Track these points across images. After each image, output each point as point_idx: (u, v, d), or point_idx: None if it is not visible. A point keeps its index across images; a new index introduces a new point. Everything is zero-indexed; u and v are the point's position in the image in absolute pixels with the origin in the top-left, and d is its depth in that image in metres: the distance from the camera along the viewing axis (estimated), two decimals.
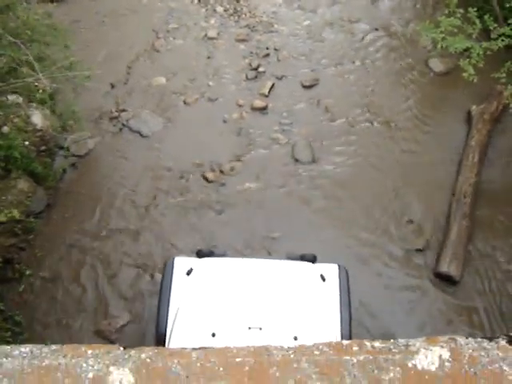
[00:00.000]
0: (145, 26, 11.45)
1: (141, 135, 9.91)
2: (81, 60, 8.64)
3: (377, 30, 11.50)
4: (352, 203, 9.09)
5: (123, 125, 10.06)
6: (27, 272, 8.43)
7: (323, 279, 6.89)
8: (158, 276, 8.11)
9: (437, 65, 10.85)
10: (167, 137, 9.85)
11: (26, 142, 9.21)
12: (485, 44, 8.69)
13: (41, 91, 9.23)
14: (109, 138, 9.93)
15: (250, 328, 6.34)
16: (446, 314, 8.13)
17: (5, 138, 8.54)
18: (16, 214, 7.15)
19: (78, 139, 9.82)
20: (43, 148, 9.58)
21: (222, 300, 6.61)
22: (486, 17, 8.90)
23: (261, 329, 6.34)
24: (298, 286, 6.79)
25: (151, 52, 11.09)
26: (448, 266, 8.44)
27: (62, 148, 9.74)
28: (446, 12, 8.89)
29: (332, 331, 6.51)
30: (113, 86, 10.52)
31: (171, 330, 6.43)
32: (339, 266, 7.13)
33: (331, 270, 7.03)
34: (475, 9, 8.98)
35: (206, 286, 6.75)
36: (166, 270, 7.04)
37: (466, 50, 8.80)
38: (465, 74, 8.69)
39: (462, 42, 8.71)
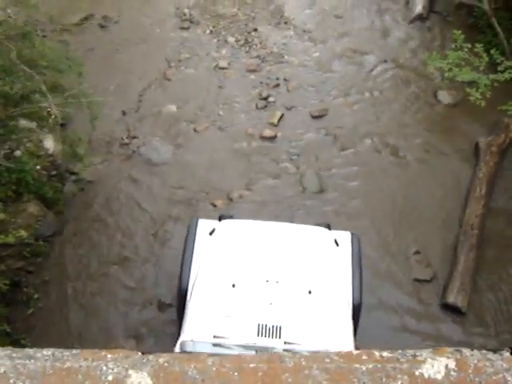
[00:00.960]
0: (157, 55, 11.64)
1: (151, 162, 10.03)
2: (94, 86, 8.78)
3: (385, 61, 11.66)
4: (359, 233, 9.13)
5: (133, 151, 10.18)
6: (35, 296, 8.48)
7: (337, 244, 7.37)
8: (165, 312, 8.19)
9: (445, 97, 10.97)
10: (177, 164, 9.96)
11: (38, 167, 9.33)
12: (492, 76, 8.85)
13: (53, 117, 9.38)
14: (119, 164, 10.04)
15: (267, 281, 6.79)
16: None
17: (17, 161, 8.65)
18: (24, 233, 7.23)
19: (88, 165, 9.92)
20: (54, 173, 9.70)
21: (242, 256, 7.06)
22: (492, 51, 9.08)
23: (277, 282, 6.79)
24: (314, 247, 7.30)
25: (163, 81, 11.25)
26: (455, 297, 8.47)
27: (72, 173, 9.85)
28: (453, 46, 9.08)
29: (344, 290, 6.93)
30: (124, 113, 10.67)
31: (194, 282, 6.84)
32: (352, 233, 7.64)
33: (344, 237, 7.55)
34: (482, 44, 9.17)
35: (228, 244, 7.25)
36: (190, 229, 7.53)
37: (473, 81, 8.97)
38: (471, 98, 8.85)
39: (469, 74, 8.88)
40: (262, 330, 6.40)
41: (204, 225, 7.54)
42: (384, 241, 9.14)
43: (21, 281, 8.59)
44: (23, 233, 7.30)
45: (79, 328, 8.28)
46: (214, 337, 6.29)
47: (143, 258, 8.94)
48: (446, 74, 9.14)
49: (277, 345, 6.27)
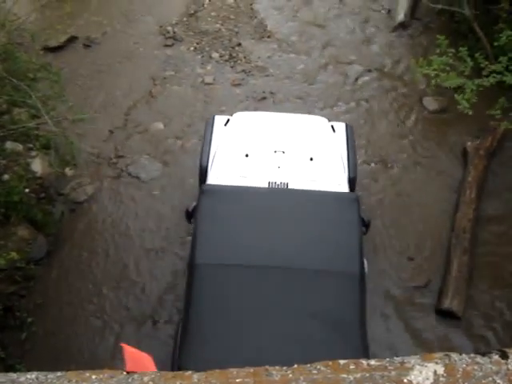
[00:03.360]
0: (142, 74, 11.64)
1: (139, 180, 10.00)
2: (79, 105, 8.79)
3: (370, 71, 11.70)
4: None
5: (122, 170, 10.15)
6: (28, 320, 8.40)
7: (333, 130, 8.54)
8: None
9: (431, 103, 11.01)
10: (165, 181, 9.95)
11: (27, 190, 9.28)
12: (477, 81, 8.88)
13: (41, 137, 9.38)
14: (108, 183, 10.00)
15: (275, 151, 8.02)
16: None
17: (5, 185, 8.62)
18: (14, 255, 7.17)
19: (77, 186, 9.90)
20: (43, 195, 9.66)
21: (253, 134, 8.33)
22: (477, 55, 9.12)
23: (284, 152, 8.01)
24: (314, 130, 8.50)
25: (148, 98, 11.24)
26: (450, 303, 8.45)
27: (61, 195, 9.81)
28: (438, 51, 9.11)
29: (340, 161, 8.01)
30: (111, 132, 10.65)
31: (213, 158, 8.02)
32: (346, 124, 8.83)
33: (340, 126, 8.71)
34: (466, 48, 9.21)
35: (240, 128, 8.50)
36: (207, 124, 8.78)
37: (460, 86, 9.00)
38: (460, 107, 8.89)
39: (455, 80, 8.92)
40: (272, 186, 7.57)
41: (220, 119, 8.77)
42: (376, 250, 9.13)
43: (13, 305, 8.51)
44: (14, 254, 7.24)
45: (75, 350, 8.20)
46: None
47: (138, 277, 8.88)
48: (433, 81, 9.17)
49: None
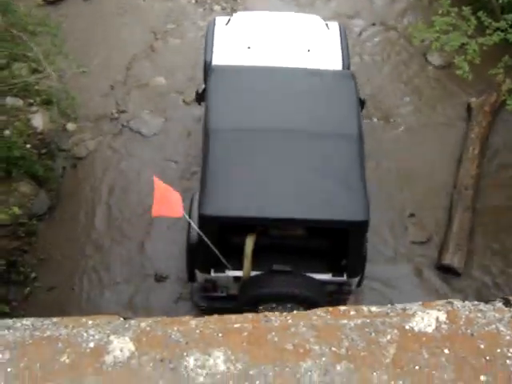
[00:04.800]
0: (142, 27, 11.48)
1: (141, 135, 9.94)
2: (79, 60, 8.69)
3: (374, 24, 11.52)
4: None
5: (123, 125, 10.08)
6: (32, 275, 8.45)
7: (327, 27, 8.89)
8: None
9: (435, 58, 10.86)
10: (167, 136, 9.89)
11: (28, 145, 9.25)
12: (480, 40, 8.69)
13: (42, 91, 9.30)
14: (109, 139, 9.94)
15: (275, 44, 8.51)
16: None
17: (6, 140, 8.58)
18: (17, 210, 7.18)
19: (79, 141, 9.85)
20: (44, 151, 9.62)
21: (253, 29, 8.74)
22: (479, 13, 8.90)
23: (283, 44, 8.51)
24: (309, 26, 8.90)
25: (149, 52, 11.10)
26: (451, 258, 8.46)
27: (62, 150, 9.77)
28: (440, 12, 8.89)
29: (335, 53, 8.50)
30: (112, 87, 10.55)
31: (216, 51, 8.43)
32: (339, 23, 9.14)
33: (333, 25, 9.02)
34: (470, 6, 8.99)
35: (241, 25, 8.86)
36: (209, 25, 9.00)
37: (462, 46, 8.80)
38: (459, 72, 8.70)
39: (457, 39, 8.72)
40: None
41: (221, 19, 9.03)
42: (378, 206, 9.10)
43: (16, 260, 8.55)
44: (16, 209, 7.24)
45: (79, 304, 8.26)
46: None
47: (138, 232, 8.88)
48: (434, 45, 8.93)
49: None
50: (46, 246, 8.75)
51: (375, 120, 10.13)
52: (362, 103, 8.05)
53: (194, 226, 6.43)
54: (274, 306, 6.90)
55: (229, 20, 9.02)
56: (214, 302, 7.40)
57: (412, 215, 9.09)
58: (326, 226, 6.69)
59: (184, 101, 10.31)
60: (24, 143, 8.95)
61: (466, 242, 8.62)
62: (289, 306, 6.90)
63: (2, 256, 8.16)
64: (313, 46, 8.53)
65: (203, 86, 8.31)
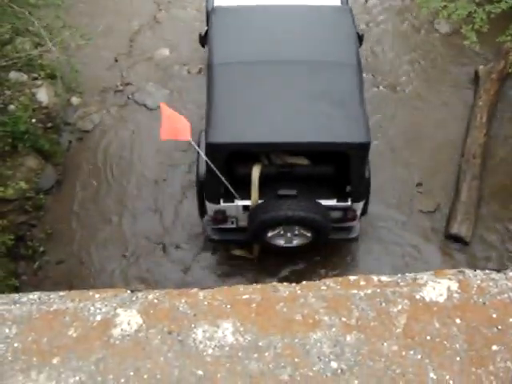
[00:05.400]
0: None
1: (146, 107, 9.89)
2: (82, 31, 8.61)
3: None
4: None
5: (128, 98, 10.03)
6: (40, 249, 8.48)
7: None
8: None
9: (443, 25, 10.72)
10: (173, 107, 9.82)
11: (33, 120, 9.21)
12: (488, 7, 8.55)
13: (46, 66, 9.24)
14: (114, 111, 9.90)
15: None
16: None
17: (11, 115, 8.55)
18: (23, 185, 7.16)
19: (84, 115, 9.82)
20: (50, 125, 9.58)
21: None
22: None
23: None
24: None
25: (153, 24, 11.00)
26: (459, 228, 8.43)
27: (68, 124, 9.75)
28: None
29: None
30: (116, 60, 10.47)
31: None
32: None
33: None
34: None
35: None
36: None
37: (469, 14, 8.66)
38: (466, 42, 8.59)
39: (465, 8, 8.58)
40: None
41: None
42: (384, 175, 9.08)
43: (25, 235, 8.59)
44: (22, 184, 7.23)
45: (88, 277, 8.29)
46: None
47: (146, 205, 8.89)
48: (441, 14, 8.80)
49: None
50: (54, 220, 8.76)
51: (382, 88, 10.04)
52: (360, 38, 8.35)
53: (202, 154, 6.65)
54: (281, 232, 7.31)
55: None
56: (225, 234, 7.70)
57: (419, 184, 9.03)
58: (328, 149, 6.93)
59: (189, 71, 10.23)
60: (29, 118, 8.90)
61: (473, 211, 8.57)
62: (296, 232, 7.31)
63: (11, 231, 8.17)
64: None
65: (206, 29, 8.52)
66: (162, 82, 10.16)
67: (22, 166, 8.78)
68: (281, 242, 7.53)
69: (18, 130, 8.39)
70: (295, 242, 7.54)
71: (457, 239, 8.47)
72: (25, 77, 9.52)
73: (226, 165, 6.87)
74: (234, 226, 7.57)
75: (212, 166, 6.59)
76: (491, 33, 8.69)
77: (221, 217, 7.36)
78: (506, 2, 8.51)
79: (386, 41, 10.67)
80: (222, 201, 7.19)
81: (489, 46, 9.54)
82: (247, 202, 7.10)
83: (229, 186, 6.87)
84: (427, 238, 8.60)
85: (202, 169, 7.13)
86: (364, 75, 9.63)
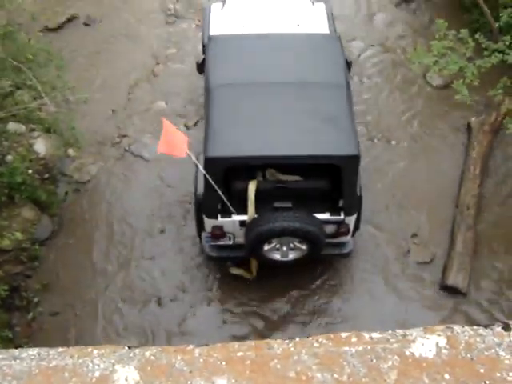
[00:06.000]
0: (143, 52, 11.57)
1: (143, 159, 10.00)
2: (80, 84, 8.76)
3: (372, 46, 11.61)
4: None
5: (125, 150, 10.13)
6: (35, 300, 8.45)
7: (313, 4, 9.90)
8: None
9: (435, 79, 10.90)
10: (169, 159, 9.92)
11: (30, 171, 9.29)
12: (478, 62, 8.72)
13: (44, 119, 9.37)
14: (111, 163, 9.99)
15: (267, 21, 9.36)
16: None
17: (8, 166, 8.63)
18: (19, 235, 7.20)
19: (81, 166, 9.91)
20: (47, 176, 9.66)
21: (247, 9, 9.69)
22: (477, 35, 8.92)
23: (275, 21, 9.39)
24: (298, 7, 9.80)
25: (150, 77, 11.19)
26: (455, 278, 8.46)
27: (65, 175, 9.82)
28: (437, 36, 8.91)
29: (322, 25, 9.46)
30: (113, 112, 10.62)
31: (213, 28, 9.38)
32: (325, 1, 10.03)
33: (319, 4, 9.94)
34: (467, 29, 9.03)
35: (236, 9, 9.74)
36: (205, 11, 10.01)
37: (460, 69, 8.82)
38: (457, 97, 8.72)
39: (456, 64, 8.74)
40: None
41: (216, 6, 9.93)
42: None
43: (19, 286, 8.57)
44: (18, 235, 7.28)
45: (82, 330, 8.26)
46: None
47: (142, 256, 8.91)
48: (433, 69, 8.98)
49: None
50: (49, 270, 8.77)
51: (376, 141, 10.17)
52: (348, 64, 8.75)
53: (201, 167, 7.03)
54: (277, 246, 7.62)
55: (223, 5, 9.89)
56: (222, 251, 8.01)
57: (415, 235, 9.09)
58: (320, 162, 7.21)
59: (185, 125, 10.37)
60: (26, 168, 8.99)
61: (469, 262, 8.62)
62: (291, 245, 7.63)
63: (5, 281, 8.16)
64: (302, 20, 9.42)
65: (203, 57, 9.08)
66: (158, 134, 10.25)
67: (19, 216, 8.82)
68: (277, 257, 7.79)
69: (14, 181, 8.46)
70: (291, 256, 7.79)
71: (453, 290, 8.48)
72: (23, 128, 9.64)
73: (224, 181, 7.20)
74: (231, 242, 7.83)
75: (210, 179, 6.93)
76: (482, 85, 8.87)
77: (219, 232, 7.63)
78: (496, 56, 8.69)
79: (379, 93, 10.85)
80: (219, 216, 7.45)
81: (480, 98, 9.73)
82: (244, 217, 7.38)
83: (225, 200, 7.20)
84: (423, 289, 8.61)
85: (201, 186, 7.45)
86: (358, 128, 9.86)
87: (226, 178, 7.24)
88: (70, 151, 9.95)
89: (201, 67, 9.22)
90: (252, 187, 7.22)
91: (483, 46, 8.83)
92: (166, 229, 9.16)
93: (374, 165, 9.79)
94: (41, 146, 9.75)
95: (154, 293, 8.56)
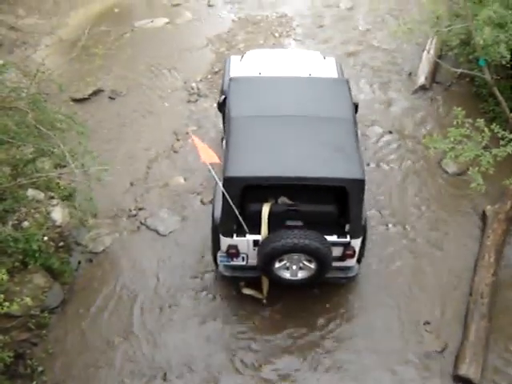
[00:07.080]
0: (164, 128, 11.85)
1: (158, 233, 10.06)
2: (102, 156, 8.92)
3: (390, 132, 11.80)
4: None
5: (141, 223, 10.22)
6: (39, 368, 8.34)
7: (324, 58, 11.20)
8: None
9: (450, 166, 11.01)
10: (184, 235, 9.99)
11: (45, 238, 9.33)
12: (494, 151, 8.80)
13: (62, 187, 9.50)
14: (126, 235, 10.06)
15: (282, 70, 10.38)
16: None
17: (24, 231, 8.68)
18: (29, 301, 7.15)
19: (96, 236, 9.96)
20: (61, 244, 9.73)
21: (264, 61, 10.86)
22: (493, 125, 9.02)
23: (288, 70, 10.34)
24: (310, 60, 11.04)
25: (170, 153, 11.40)
26: (467, 369, 8.26)
27: (79, 244, 9.88)
28: (455, 123, 9.04)
29: (331, 73, 10.70)
30: (132, 184, 10.78)
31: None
32: (335, 58, 11.48)
33: (330, 59, 11.31)
34: (484, 117, 9.15)
35: (253, 58, 11.01)
36: (226, 61, 11.34)
37: (476, 157, 8.89)
38: (473, 185, 8.75)
39: (471, 151, 8.82)
40: None
41: (235, 57, 11.29)
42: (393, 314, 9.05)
43: (25, 353, 8.49)
44: (28, 300, 7.22)
45: None
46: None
47: (150, 330, 8.85)
48: (449, 155, 9.05)
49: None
50: (56, 339, 8.69)
51: (391, 226, 10.18)
52: (355, 106, 9.43)
53: (220, 183, 7.77)
54: (287, 265, 8.24)
55: (242, 56, 11.12)
56: (235, 271, 8.69)
57: (427, 323, 8.96)
58: (329, 184, 7.89)
59: (201, 201, 10.49)
60: (42, 236, 9.04)
61: (482, 352, 8.44)
62: (301, 265, 8.25)
63: (11, 347, 8.05)
64: (313, 71, 10.42)
65: (223, 96, 9.94)
66: (174, 209, 10.39)
67: (30, 282, 8.83)
68: (287, 275, 8.38)
69: (30, 248, 8.48)
70: (300, 276, 8.39)
71: (465, 381, 8.28)
72: (41, 195, 9.75)
73: (240, 203, 7.87)
74: (244, 263, 8.49)
75: (227, 196, 7.60)
76: (497, 172, 8.93)
77: (234, 251, 8.28)
78: None
79: (395, 180, 10.94)
80: (234, 235, 8.14)
81: (495, 186, 9.78)
82: (257, 237, 8.06)
83: (241, 220, 7.88)
84: (434, 379, 8.41)
85: (218, 207, 8.14)
86: (374, 212, 9.92)
87: (242, 199, 7.90)
88: (87, 221, 10.00)
89: (221, 106, 10.10)
90: (266, 209, 7.95)
91: (499, 135, 8.93)
92: (177, 304, 9.12)
93: (388, 249, 9.81)
94: (58, 214, 9.85)
95: (161, 366, 8.43)
